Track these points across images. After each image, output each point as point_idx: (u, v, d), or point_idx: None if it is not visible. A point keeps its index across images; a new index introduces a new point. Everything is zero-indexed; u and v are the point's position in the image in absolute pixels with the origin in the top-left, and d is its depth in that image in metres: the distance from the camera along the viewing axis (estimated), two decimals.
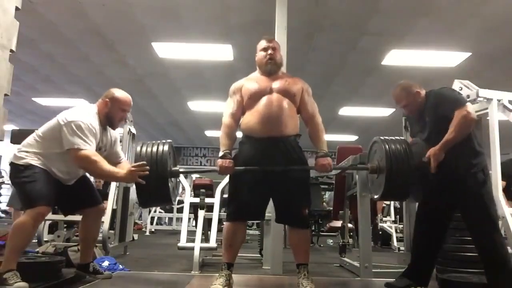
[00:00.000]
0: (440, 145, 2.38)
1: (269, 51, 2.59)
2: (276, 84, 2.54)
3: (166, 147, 2.52)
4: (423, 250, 2.66)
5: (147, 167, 2.45)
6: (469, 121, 2.36)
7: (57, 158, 2.60)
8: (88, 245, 2.94)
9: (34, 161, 2.56)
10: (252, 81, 2.60)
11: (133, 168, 2.48)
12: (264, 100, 2.49)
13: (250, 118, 2.51)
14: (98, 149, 2.69)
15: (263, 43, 2.65)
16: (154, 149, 2.50)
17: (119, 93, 2.82)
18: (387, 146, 2.52)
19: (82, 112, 2.66)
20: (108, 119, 2.77)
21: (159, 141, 2.57)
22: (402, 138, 2.68)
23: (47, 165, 2.59)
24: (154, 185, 2.45)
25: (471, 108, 2.43)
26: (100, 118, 2.73)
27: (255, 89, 2.53)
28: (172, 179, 2.64)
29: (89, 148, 2.54)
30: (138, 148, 2.55)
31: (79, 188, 2.81)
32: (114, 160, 2.85)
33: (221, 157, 2.46)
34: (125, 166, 2.77)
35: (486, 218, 2.42)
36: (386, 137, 2.62)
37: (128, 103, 2.85)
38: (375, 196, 2.71)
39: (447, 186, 2.49)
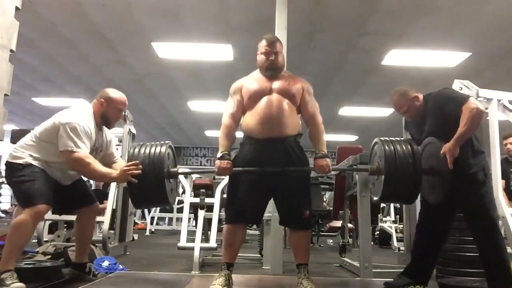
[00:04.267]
0: (454, 140, 2.35)
1: (271, 57, 2.51)
2: (276, 85, 2.50)
3: (163, 148, 2.48)
4: (424, 249, 2.66)
5: (140, 166, 2.44)
6: (479, 112, 2.36)
7: (54, 160, 2.60)
8: (84, 245, 2.97)
9: (32, 160, 2.57)
10: (253, 81, 2.56)
11: (125, 168, 2.48)
12: (264, 100, 2.46)
13: (250, 119, 2.49)
14: (95, 150, 2.71)
15: (264, 45, 2.53)
16: (152, 150, 2.47)
17: (115, 94, 2.83)
18: (386, 147, 2.46)
19: (78, 113, 2.67)
20: (104, 119, 2.78)
21: (157, 143, 2.54)
22: (406, 138, 2.61)
23: (44, 166, 2.59)
24: (150, 186, 2.41)
25: (476, 101, 2.43)
26: (96, 119, 2.74)
27: (255, 90, 2.50)
28: (171, 180, 2.59)
29: (82, 151, 2.54)
30: (136, 150, 2.49)
31: (74, 188, 2.81)
32: (109, 160, 2.87)
33: (220, 158, 2.43)
34: (119, 165, 2.76)
35: (485, 218, 2.42)
36: (387, 138, 2.57)
37: (124, 102, 2.85)
38: (375, 198, 2.68)
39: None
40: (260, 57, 2.55)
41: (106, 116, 2.78)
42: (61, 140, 2.53)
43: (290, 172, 2.45)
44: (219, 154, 2.46)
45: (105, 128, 2.86)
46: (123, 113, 2.93)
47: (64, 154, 2.53)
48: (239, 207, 2.46)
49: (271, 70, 2.53)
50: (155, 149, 2.47)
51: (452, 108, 2.43)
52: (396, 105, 2.71)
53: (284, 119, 2.44)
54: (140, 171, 2.44)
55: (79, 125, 2.56)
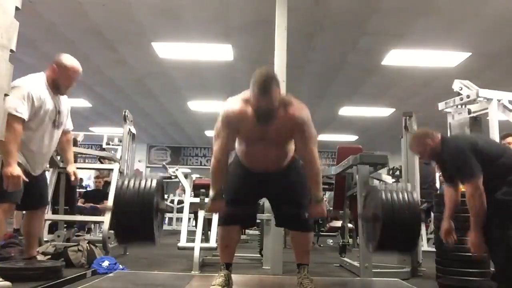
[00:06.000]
0: (473, 232, 2.38)
1: (263, 106, 2.15)
2: (269, 131, 2.24)
3: (154, 183, 2.33)
4: None
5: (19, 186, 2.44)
6: (478, 198, 2.34)
7: (26, 143, 2.63)
8: (33, 240, 3.09)
9: None
10: (246, 121, 2.23)
11: (12, 178, 2.41)
12: (257, 146, 2.32)
13: (242, 154, 2.40)
14: (57, 113, 2.77)
15: (257, 95, 2.11)
16: (142, 184, 2.32)
17: (68, 61, 2.83)
18: (383, 196, 2.37)
19: (27, 78, 2.68)
20: (55, 85, 2.79)
21: (148, 175, 2.45)
22: (404, 186, 2.53)
23: (20, 153, 2.57)
24: (137, 224, 2.27)
25: (478, 182, 2.36)
26: (49, 83, 2.76)
27: (248, 135, 2.32)
28: (158, 215, 2.48)
29: (21, 117, 2.52)
30: (125, 183, 2.34)
31: (36, 186, 2.84)
32: (64, 128, 2.94)
33: (212, 200, 2.31)
34: (68, 139, 3.02)
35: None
36: (384, 185, 2.53)
37: (76, 70, 2.85)
38: (370, 250, 2.57)
39: None
40: (253, 99, 2.16)
41: (57, 82, 2.79)
42: (7, 102, 2.53)
43: (286, 176, 2.40)
44: (211, 194, 2.31)
45: (63, 96, 2.90)
46: (75, 82, 2.89)
47: (7, 116, 2.50)
48: (232, 211, 2.41)
49: (263, 120, 2.20)
50: (145, 184, 2.32)
51: (459, 178, 2.53)
52: (411, 147, 2.83)
53: (279, 161, 2.37)
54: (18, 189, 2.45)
55: (23, 88, 2.56)
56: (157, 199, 2.37)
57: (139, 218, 2.26)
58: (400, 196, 2.39)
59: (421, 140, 2.66)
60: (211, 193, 2.32)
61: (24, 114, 2.55)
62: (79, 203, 5.87)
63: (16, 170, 2.43)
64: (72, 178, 3.02)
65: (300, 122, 2.25)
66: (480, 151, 2.42)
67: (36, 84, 2.67)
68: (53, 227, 5.12)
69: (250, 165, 2.40)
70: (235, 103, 2.27)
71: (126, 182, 2.35)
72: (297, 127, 2.26)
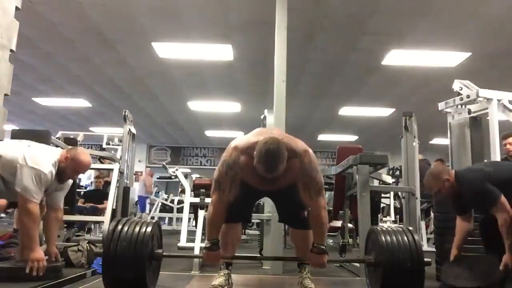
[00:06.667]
0: (509, 253, 2.48)
1: (271, 178, 2.14)
2: (274, 185, 2.24)
3: (149, 228, 2.24)
4: None
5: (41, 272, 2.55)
6: (510, 219, 2.47)
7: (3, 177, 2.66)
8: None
9: None
10: (252, 176, 2.20)
11: (37, 262, 2.57)
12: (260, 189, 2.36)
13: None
14: (44, 190, 2.77)
15: (263, 172, 2.09)
16: (137, 229, 2.22)
17: (82, 156, 2.85)
18: (383, 238, 2.28)
19: (46, 159, 2.71)
20: (59, 173, 2.81)
21: (143, 220, 2.37)
22: (405, 227, 2.42)
23: None
24: (127, 268, 2.15)
25: (504, 204, 2.48)
26: (58, 168, 2.80)
27: (251, 184, 2.29)
28: (153, 261, 2.39)
29: (37, 203, 2.61)
30: (118, 227, 2.21)
31: None
32: (54, 203, 2.93)
33: (208, 249, 2.23)
34: (58, 217, 2.96)
35: None
36: (386, 228, 2.43)
37: (85, 169, 2.92)
38: None
39: None
40: (259, 171, 2.12)
41: (62, 171, 2.81)
42: (21, 181, 2.57)
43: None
44: (207, 243, 2.25)
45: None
46: (79, 174, 3.01)
47: (21, 197, 2.58)
48: (232, 210, 2.39)
49: (269, 182, 2.19)
50: (140, 228, 2.22)
51: (485, 207, 2.61)
52: (428, 186, 2.84)
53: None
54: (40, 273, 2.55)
55: (44, 173, 2.63)
56: (152, 244, 2.29)
57: (129, 269, 2.16)
58: (401, 238, 2.28)
59: (439, 177, 2.73)
60: (206, 242, 2.26)
61: (40, 198, 2.66)
62: (79, 203, 5.87)
63: (40, 254, 2.61)
64: (53, 259, 2.90)
65: (302, 174, 2.20)
66: (494, 178, 2.56)
67: (51, 169, 2.71)
68: None
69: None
70: (241, 155, 2.18)
71: (120, 226, 2.23)
72: (300, 179, 2.22)
